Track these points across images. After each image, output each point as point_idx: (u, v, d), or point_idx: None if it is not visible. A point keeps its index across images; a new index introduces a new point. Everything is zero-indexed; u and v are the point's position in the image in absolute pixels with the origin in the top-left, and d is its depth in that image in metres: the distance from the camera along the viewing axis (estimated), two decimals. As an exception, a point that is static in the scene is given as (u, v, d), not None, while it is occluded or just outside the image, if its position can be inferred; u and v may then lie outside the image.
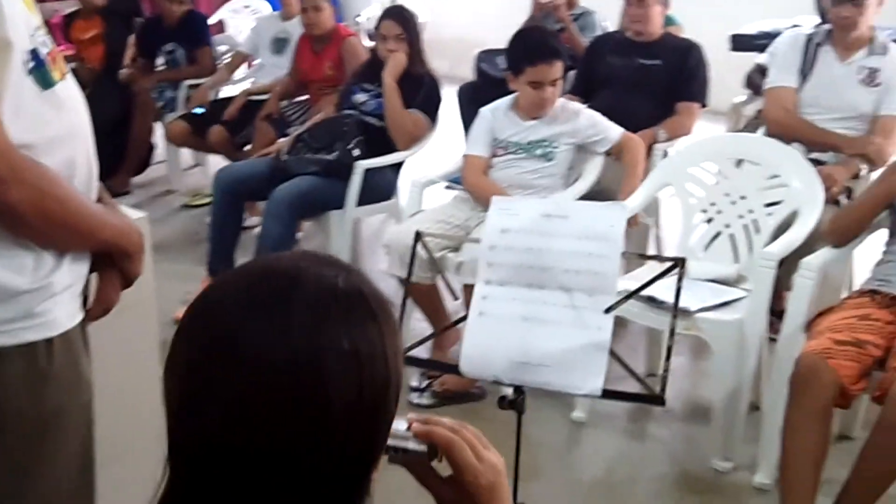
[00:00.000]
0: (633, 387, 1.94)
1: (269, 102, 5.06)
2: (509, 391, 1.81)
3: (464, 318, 1.92)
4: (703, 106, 4.12)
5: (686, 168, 3.36)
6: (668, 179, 3.40)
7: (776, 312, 3.28)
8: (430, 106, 4.08)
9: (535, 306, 1.80)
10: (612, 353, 1.78)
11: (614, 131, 3.58)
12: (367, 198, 3.99)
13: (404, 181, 4.13)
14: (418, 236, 1.89)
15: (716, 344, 2.87)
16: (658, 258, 2.01)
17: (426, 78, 4.06)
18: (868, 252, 3.02)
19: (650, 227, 3.86)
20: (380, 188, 4.05)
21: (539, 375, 1.77)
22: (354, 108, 4.12)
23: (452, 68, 7.64)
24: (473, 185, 3.55)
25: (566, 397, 3.34)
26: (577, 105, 3.61)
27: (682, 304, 2.83)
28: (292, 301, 0.90)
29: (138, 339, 2.40)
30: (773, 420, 2.71)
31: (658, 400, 1.72)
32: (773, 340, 3.08)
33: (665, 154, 3.90)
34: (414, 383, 3.22)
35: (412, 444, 1.05)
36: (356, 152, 3.93)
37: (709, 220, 3.30)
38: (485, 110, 3.63)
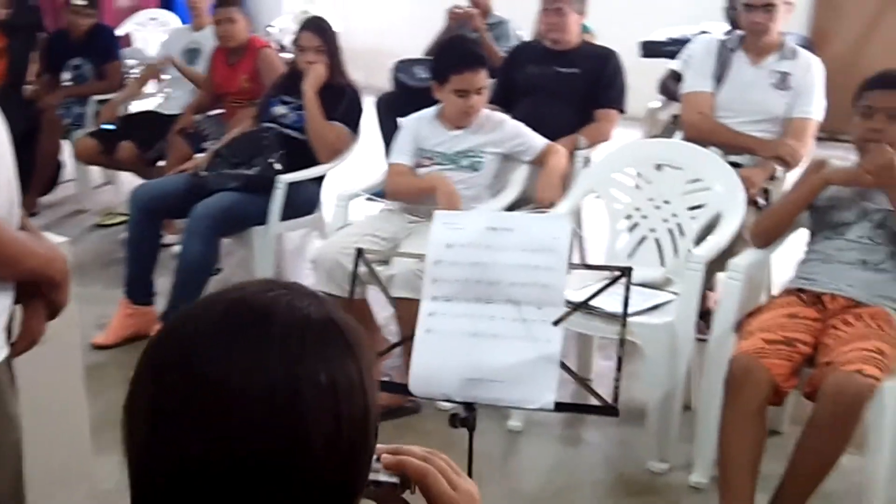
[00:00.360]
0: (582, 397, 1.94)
1: (183, 117, 4.97)
2: (460, 409, 1.79)
3: (406, 340, 1.90)
4: (622, 112, 4.16)
5: (609, 174, 3.40)
6: (593, 186, 3.43)
7: (701, 313, 3.34)
8: (351, 117, 4.04)
9: (484, 321, 1.79)
10: (564, 366, 1.78)
11: (538, 141, 3.60)
12: (289, 212, 3.94)
13: (327, 194, 4.09)
14: (359, 253, 1.86)
15: (648, 347, 2.90)
16: (606, 268, 2.01)
17: (347, 89, 4.02)
18: (784, 252, 3.09)
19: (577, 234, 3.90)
20: (302, 202, 4.00)
21: (491, 391, 1.76)
22: (274, 122, 4.06)
23: (367, 78, 7.59)
24: (398, 186, 3.53)
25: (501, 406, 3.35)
26: (501, 115, 3.63)
27: (612, 308, 2.89)
28: (266, 336, 0.87)
29: (63, 369, 2.32)
30: (707, 419, 2.76)
31: (612, 411, 1.73)
32: (700, 341, 3.13)
33: (586, 161, 3.94)
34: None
35: (383, 476, 1.02)
36: (278, 166, 3.87)
37: (634, 226, 3.34)
38: (409, 120, 3.62)
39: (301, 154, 3.96)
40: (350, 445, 0.88)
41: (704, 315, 3.64)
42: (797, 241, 3.01)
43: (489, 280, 1.80)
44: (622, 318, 1.91)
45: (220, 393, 0.84)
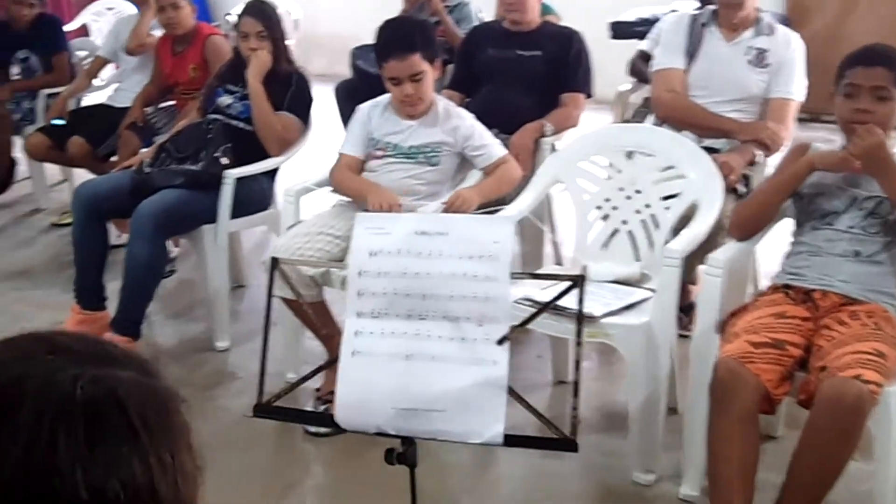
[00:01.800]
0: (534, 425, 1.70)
1: (133, 109, 4.72)
2: (397, 442, 1.55)
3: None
4: (589, 96, 3.95)
5: (576, 162, 3.17)
6: (558, 176, 3.20)
7: (682, 307, 3.14)
8: (300, 106, 3.79)
9: (418, 341, 1.55)
10: (512, 392, 1.55)
11: (497, 150, 3.29)
12: (241, 209, 3.69)
13: (281, 189, 3.85)
14: (275, 263, 1.62)
15: (625, 350, 2.69)
16: (554, 277, 1.76)
17: (294, 76, 3.77)
18: (770, 243, 2.87)
19: (544, 231, 3.67)
20: (255, 198, 3.76)
21: (429, 423, 1.52)
22: (219, 112, 3.81)
23: (331, 65, 7.37)
24: (339, 182, 3.30)
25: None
26: (461, 112, 3.33)
27: (585, 309, 2.67)
28: (9, 425, 0.64)
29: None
30: (694, 425, 2.56)
31: (569, 444, 1.49)
32: (682, 337, 2.92)
33: (553, 149, 3.71)
34: (309, 407, 2.96)
35: None
36: (224, 160, 3.62)
37: (604, 217, 3.12)
38: (363, 107, 3.37)
39: (250, 147, 3.72)
40: None
41: (686, 309, 3.45)
42: (783, 232, 2.80)
43: (422, 293, 1.56)
44: (577, 333, 1.66)
45: None
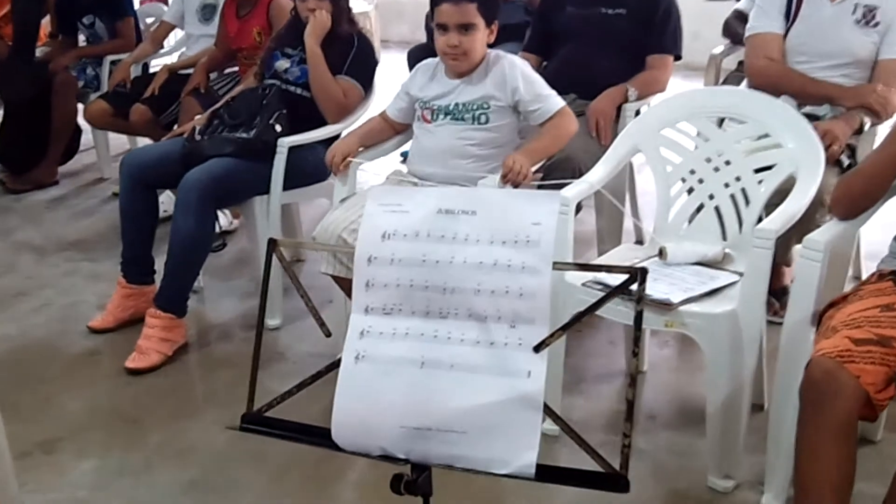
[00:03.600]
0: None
1: (195, 75, 4.54)
2: (406, 467, 1.26)
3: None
4: (678, 58, 3.63)
5: (658, 130, 2.84)
6: (639, 144, 2.88)
7: (774, 291, 2.81)
8: (362, 71, 3.54)
9: (436, 345, 1.25)
10: (549, 410, 1.25)
11: (554, 103, 2.97)
12: (296, 180, 3.46)
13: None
14: (272, 245, 1.36)
15: (705, 342, 2.37)
16: (607, 268, 1.42)
17: (356, 39, 3.51)
18: (878, 223, 2.51)
19: (623, 209, 3.36)
20: (310, 168, 3.50)
21: (445, 446, 1.22)
22: (277, 77, 3.58)
23: (412, 32, 7.14)
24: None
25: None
26: (514, 60, 3.00)
27: (662, 295, 2.38)
28: None
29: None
30: (781, 427, 2.25)
31: (619, 482, 1.19)
32: (771, 324, 2.61)
33: (637, 115, 3.38)
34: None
35: None
36: (278, 128, 3.39)
37: (689, 191, 2.80)
38: (418, 66, 3.13)
39: (307, 114, 3.49)
40: None
41: (780, 293, 3.12)
42: (893, 210, 2.44)
43: (443, 285, 1.26)
44: (635, 341, 1.34)
45: None
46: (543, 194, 1.27)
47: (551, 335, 1.21)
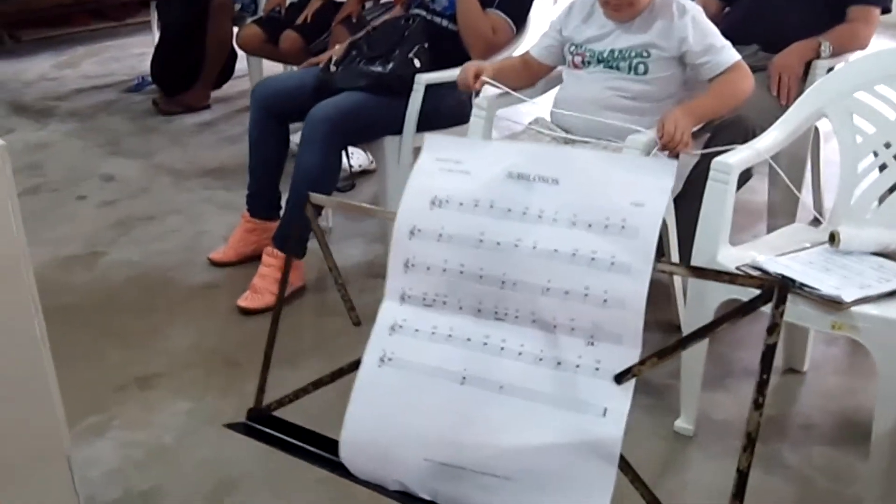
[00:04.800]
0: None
1: (349, 3, 4.30)
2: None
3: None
4: (886, 11, 3.13)
5: (851, 93, 2.39)
6: (824, 108, 2.43)
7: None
8: (516, 6, 3.20)
9: (485, 356, 0.89)
10: (624, 462, 0.88)
11: (728, 55, 2.55)
12: (434, 121, 3.15)
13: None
14: (304, 202, 1.05)
15: (880, 352, 1.96)
16: (731, 276, 0.98)
17: (511, -31, 3.17)
18: None
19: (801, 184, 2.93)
20: (449, 109, 3.18)
21: (481, 494, 0.85)
22: (423, 7, 3.28)
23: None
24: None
25: (665, 394, 2.50)
26: (685, 5, 2.60)
27: (832, 290, 1.98)
28: None
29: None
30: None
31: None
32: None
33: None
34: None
35: None
36: (417, 63, 3.09)
37: (881, 168, 2.37)
38: (572, 3, 2.76)
39: (451, 49, 3.16)
40: None
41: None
42: None
43: (503, 277, 0.89)
44: (757, 390, 0.96)
45: None
46: (653, 162, 0.90)
47: (642, 362, 0.84)
